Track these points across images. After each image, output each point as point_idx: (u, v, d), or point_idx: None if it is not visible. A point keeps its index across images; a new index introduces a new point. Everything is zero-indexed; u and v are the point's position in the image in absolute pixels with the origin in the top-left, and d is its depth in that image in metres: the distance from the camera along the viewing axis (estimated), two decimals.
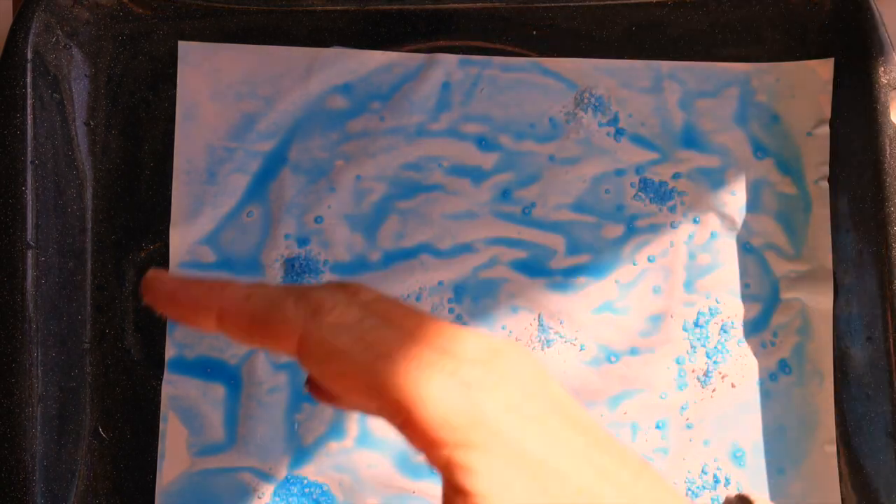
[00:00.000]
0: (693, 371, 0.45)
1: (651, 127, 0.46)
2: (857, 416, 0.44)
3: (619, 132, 0.46)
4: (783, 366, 0.45)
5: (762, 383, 0.45)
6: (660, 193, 0.46)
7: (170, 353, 0.44)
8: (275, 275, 0.44)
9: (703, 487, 0.44)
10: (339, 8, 0.45)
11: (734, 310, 0.45)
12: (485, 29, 0.46)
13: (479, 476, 0.22)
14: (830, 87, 0.46)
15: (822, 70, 0.46)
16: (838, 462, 0.44)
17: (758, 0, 0.46)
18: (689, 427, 0.44)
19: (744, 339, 0.45)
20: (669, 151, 0.46)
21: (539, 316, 0.45)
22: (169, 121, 0.45)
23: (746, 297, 0.45)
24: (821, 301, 0.45)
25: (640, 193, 0.46)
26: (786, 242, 0.45)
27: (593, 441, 0.24)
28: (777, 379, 0.45)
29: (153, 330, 0.44)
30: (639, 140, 0.46)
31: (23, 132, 0.42)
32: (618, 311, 0.45)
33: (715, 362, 0.45)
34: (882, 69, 0.44)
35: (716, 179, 0.46)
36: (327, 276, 0.44)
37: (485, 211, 0.45)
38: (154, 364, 0.44)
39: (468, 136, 0.46)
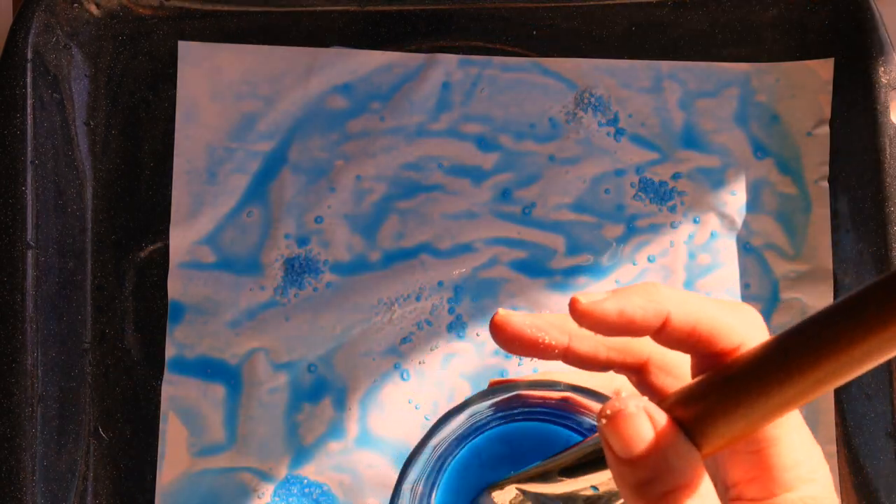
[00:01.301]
0: None
1: (651, 127, 0.46)
2: (857, 416, 0.44)
3: (619, 132, 0.46)
4: None
5: None
6: (660, 193, 0.46)
7: (170, 353, 0.44)
8: (275, 274, 0.44)
9: None
10: (339, 8, 0.45)
11: None
12: (485, 29, 0.46)
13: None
14: (830, 87, 0.46)
15: (822, 70, 0.46)
16: (838, 462, 0.44)
17: (758, 0, 0.46)
18: None
19: None
20: (669, 151, 0.46)
21: None
22: (169, 121, 0.45)
23: (746, 297, 0.45)
24: (821, 301, 0.45)
25: (640, 193, 0.46)
26: (786, 242, 0.45)
27: None
28: None
29: (153, 330, 0.44)
30: (639, 140, 0.46)
31: (23, 132, 0.42)
32: None
33: None
34: (882, 69, 0.44)
35: (716, 179, 0.46)
36: (327, 276, 0.44)
37: (485, 211, 0.45)
38: (154, 364, 0.44)
39: (468, 136, 0.46)
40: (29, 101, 0.42)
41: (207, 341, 0.44)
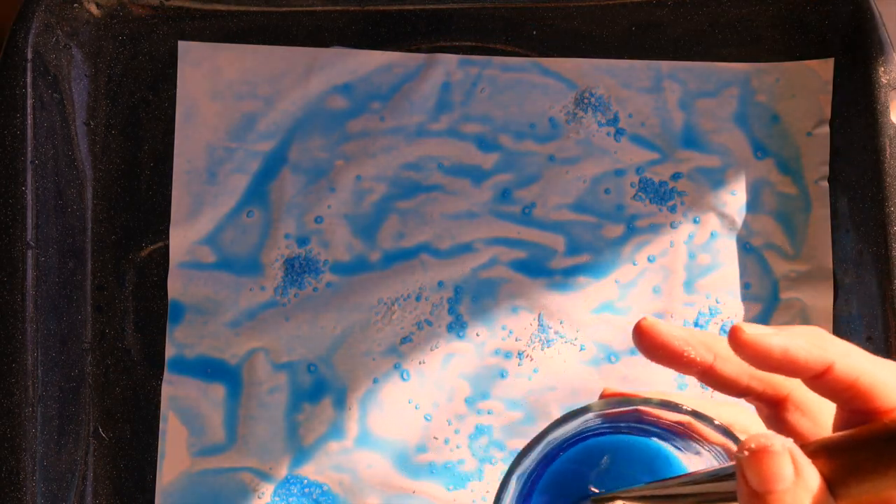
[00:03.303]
0: None
1: (651, 127, 0.46)
2: None
3: (619, 132, 0.46)
4: None
5: None
6: (660, 193, 0.46)
7: (170, 352, 0.44)
8: (275, 274, 0.44)
9: None
10: (339, 8, 0.45)
11: (734, 310, 0.45)
12: (485, 29, 0.46)
13: None
14: (830, 87, 0.46)
15: (822, 70, 0.46)
16: None
17: (758, 0, 0.46)
18: None
19: None
20: (669, 151, 0.46)
21: (539, 316, 0.45)
22: (169, 121, 0.45)
23: (746, 297, 0.45)
24: (821, 301, 0.45)
25: (640, 193, 0.46)
26: (786, 242, 0.45)
27: None
28: None
29: (153, 330, 0.44)
30: (639, 140, 0.46)
31: (23, 132, 0.42)
32: (618, 311, 0.45)
33: None
34: (882, 69, 0.44)
35: (716, 179, 0.46)
36: (327, 276, 0.45)
37: (484, 211, 0.45)
38: (154, 364, 0.44)
39: (468, 136, 0.46)
40: (29, 101, 0.42)
41: (207, 341, 0.44)
